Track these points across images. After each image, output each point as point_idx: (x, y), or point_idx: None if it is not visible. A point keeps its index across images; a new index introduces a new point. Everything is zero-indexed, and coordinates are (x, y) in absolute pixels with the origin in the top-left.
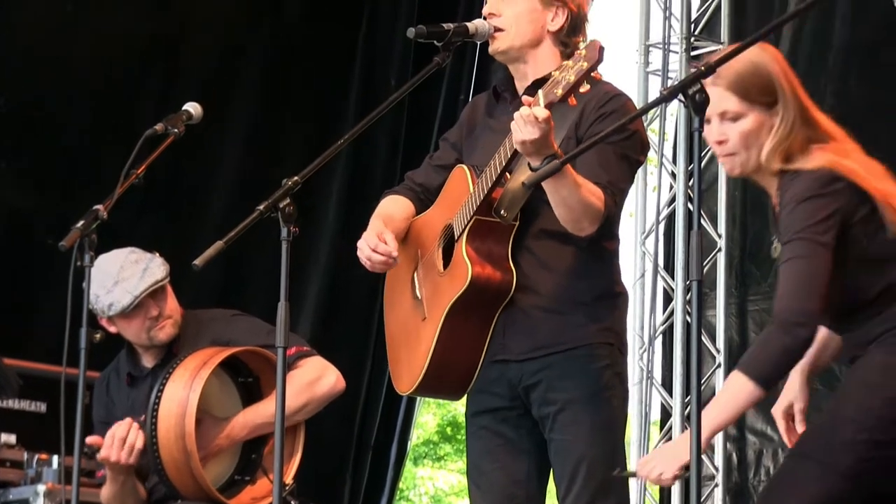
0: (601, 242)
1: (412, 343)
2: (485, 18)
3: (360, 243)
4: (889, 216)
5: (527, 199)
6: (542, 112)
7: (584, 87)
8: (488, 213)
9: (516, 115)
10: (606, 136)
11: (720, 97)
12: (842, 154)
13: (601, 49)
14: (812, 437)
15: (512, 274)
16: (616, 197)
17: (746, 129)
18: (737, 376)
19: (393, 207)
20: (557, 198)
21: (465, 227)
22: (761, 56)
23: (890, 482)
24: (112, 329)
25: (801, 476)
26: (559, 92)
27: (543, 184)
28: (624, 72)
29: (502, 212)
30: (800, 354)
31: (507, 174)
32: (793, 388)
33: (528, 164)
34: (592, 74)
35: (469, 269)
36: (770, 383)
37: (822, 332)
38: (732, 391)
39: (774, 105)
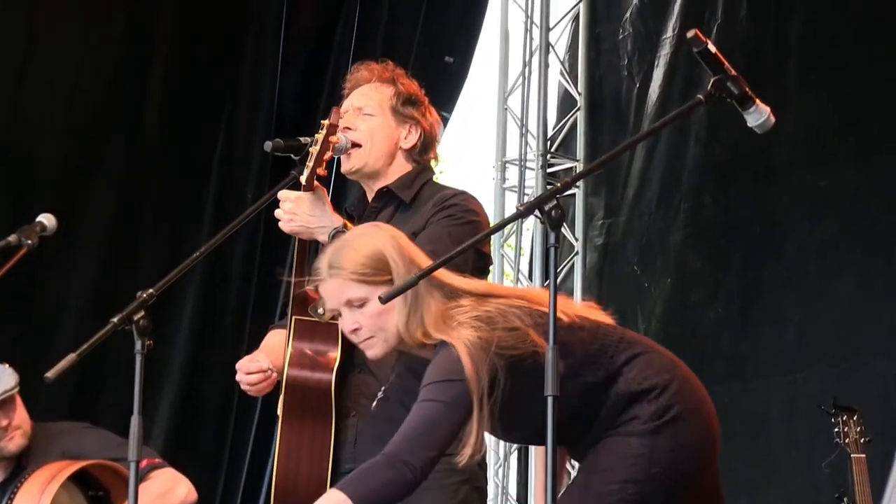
0: None
1: None
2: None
3: (238, 377)
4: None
5: None
6: (291, 193)
7: (327, 155)
8: (304, 313)
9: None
10: (470, 246)
11: (341, 287)
12: (483, 308)
13: (338, 112)
14: None
15: (331, 373)
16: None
17: (375, 312)
18: (336, 494)
19: (274, 340)
20: None
21: (290, 328)
22: (373, 237)
23: None
24: None
25: None
26: (311, 164)
27: None
28: (480, 187)
29: (319, 310)
30: (401, 491)
31: None
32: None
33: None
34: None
35: (286, 372)
36: None
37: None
38: None
39: (393, 282)
